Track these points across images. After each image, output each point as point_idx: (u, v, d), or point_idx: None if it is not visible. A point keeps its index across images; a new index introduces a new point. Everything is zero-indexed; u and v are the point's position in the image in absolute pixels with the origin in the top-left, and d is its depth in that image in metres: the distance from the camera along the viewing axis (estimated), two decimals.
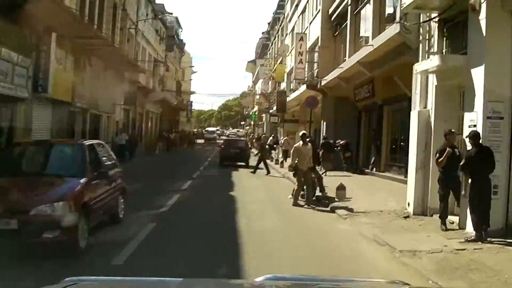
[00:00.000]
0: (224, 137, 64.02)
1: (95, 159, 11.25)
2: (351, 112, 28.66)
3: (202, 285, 2.93)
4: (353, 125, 28.62)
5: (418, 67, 14.31)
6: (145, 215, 13.34)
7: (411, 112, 15.06)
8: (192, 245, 10.26)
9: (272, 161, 38.33)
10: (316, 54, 32.92)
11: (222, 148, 35.67)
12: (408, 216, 13.90)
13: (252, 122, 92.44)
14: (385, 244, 10.70)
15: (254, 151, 56.64)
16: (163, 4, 58.79)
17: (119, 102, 35.94)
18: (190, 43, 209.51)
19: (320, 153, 29.54)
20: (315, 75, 31.01)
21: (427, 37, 14.63)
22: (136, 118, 43.22)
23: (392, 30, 16.65)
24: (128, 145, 33.16)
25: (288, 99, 40.89)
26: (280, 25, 58.21)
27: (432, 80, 14.16)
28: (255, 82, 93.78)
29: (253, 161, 33.41)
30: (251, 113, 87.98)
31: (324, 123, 29.83)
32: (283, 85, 51.54)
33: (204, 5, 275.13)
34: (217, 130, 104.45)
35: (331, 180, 19.76)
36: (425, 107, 14.45)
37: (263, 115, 72.31)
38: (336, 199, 16.74)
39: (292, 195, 17.50)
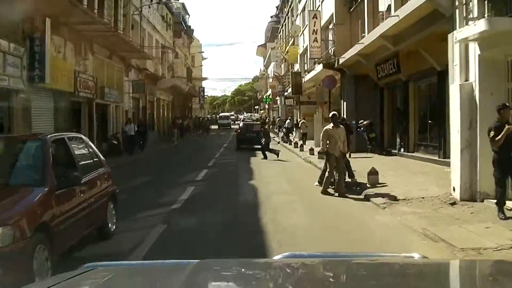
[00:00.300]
0: (238, 122, 62.36)
1: (65, 159, 8.37)
2: (373, 90, 26.76)
3: (220, 265, 2.92)
4: (376, 104, 26.72)
5: (458, 34, 12.34)
6: (153, 216, 11.48)
7: (451, 86, 13.08)
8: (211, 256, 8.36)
9: (290, 144, 36.71)
10: (331, 32, 30.84)
11: (239, 132, 36.39)
12: (454, 203, 12.03)
13: (266, 106, 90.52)
14: (439, 240, 8.88)
15: (271, 134, 55.61)
16: None
17: (127, 91, 34.26)
18: (198, 31, 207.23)
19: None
20: (331, 53, 28.97)
21: (464, 2, 12.66)
22: (146, 107, 41.55)
23: None
24: (137, 135, 31.24)
25: (303, 80, 38.92)
26: (290, 7, 56.02)
27: (474, 49, 12.19)
28: (266, 66, 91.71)
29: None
30: (264, 96, 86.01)
31: (344, 103, 27.89)
32: (296, 67, 49.55)
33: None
34: (231, 115, 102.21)
35: (357, 163, 17.98)
36: (466, 80, 12.51)
37: (277, 98, 70.40)
38: (368, 185, 14.93)
39: (319, 182, 15.76)
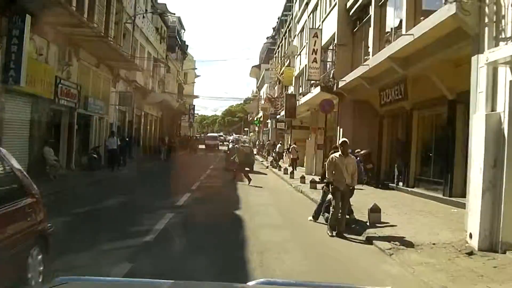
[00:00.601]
0: (227, 144, 62.80)
1: None
2: (371, 118, 25.19)
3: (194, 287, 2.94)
4: (374, 132, 25.13)
5: (488, 56, 10.69)
6: (118, 250, 9.49)
7: (474, 116, 11.38)
8: None
9: (280, 170, 35.06)
10: (331, 54, 29.21)
11: (228, 154, 35.75)
12: (472, 253, 10.30)
13: (256, 128, 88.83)
14: None
15: (259, 158, 53.84)
16: (165, 4, 55.52)
17: (113, 102, 32.47)
18: (193, 48, 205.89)
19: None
20: (330, 76, 27.35)
21: (494, 19, 11.03)
22: (133, 121, 39.72)
23: (444, 12, 12.92)
24: (120, 150, 29.32)
25: (297, 103, 37.29)
26: (288, 27, 54.73)
27: (505, 74, 10.54)
28: (259, 88, 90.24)
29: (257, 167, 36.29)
30: (255, 119, 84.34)
31: (341, 130, 26.24)
32: (290, 89, 48.04)
33: (207, 10, 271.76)
34: (220, 135, 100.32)
35: (353, 197, 16.23)
36: (493, 110, 10.84)
37: (268, 121, 68.77)
38: (368, 224, 13.20)
39: (313, 217, 14.04)
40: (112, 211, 13.97)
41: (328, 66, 29.13)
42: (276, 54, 66.19)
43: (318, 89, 27.57)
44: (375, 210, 13.41)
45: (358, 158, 23.72)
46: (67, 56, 23.43)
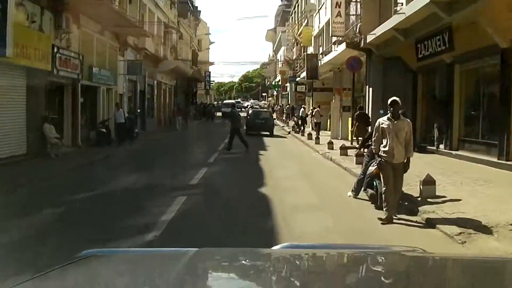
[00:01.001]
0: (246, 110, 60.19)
1: None
2: (403, 75, 22.66)
3: (219, 254, 2.89)
4: (407, 91, 22.60)
5: None
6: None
7: None
8: None
9: (303, 135, 32.78)
10: (355, 7, 26.35)
11: (249, 118, 37.19)
12: None
13: (275, 93, 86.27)
14: None
15: (279, 123, 51.51)
16: None
17: (122, 72, 30.19)
18: (206, 15, 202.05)
19: (354, 127, 23.92)
20: (356, 31, 24.66)
21: None
22: (145, 91, 37.44)
23: None
24: (129, 122, 27.10)
25: (319, 63, 34.62)
26: None
27: None
28: (276, 51, 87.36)
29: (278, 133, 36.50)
30: (273, 83, 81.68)
31: (370, 89, 23.72)
32: (309, 50, 45.33)
33: None
34: (237, 102, 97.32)
35: None
36: None
37: (287, 84, 66.19)
38: (419, 199, 10.87)
39: (353, 192, 11.67)
40: (110, 197, 11.64)
41: (352, 20, 26.31)
42: (292, 15, 63.15)
43: (343, 46, 24.92)
44: (429, 182, 11.02)
45: None
46: (64, 23, 21.02)
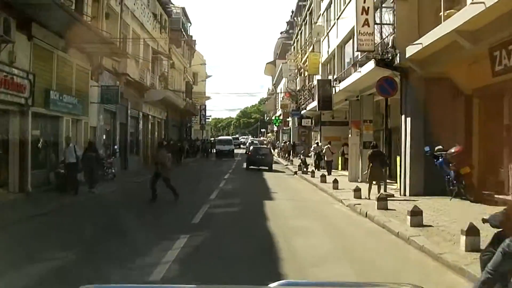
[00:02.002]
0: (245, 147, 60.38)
1: None
2: (451, 101, 17.16)
3: None
4: (457, 120, 17.07)
5: None
6: None
7: None
8: None
9: (313, 176, 27.31)
10: (385, 14, 20.59)
11: (249, 154, 38.77)
12: None
13: (275, 128, 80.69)
14: None
15: (282, 161, 45.88)
16: None
17: (95, 100, 24.61)
18: (202, 49, 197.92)
19: (368, 169, 18.46)
20: (387, 45, 18.97)
21: None
22: (127, 124, 31.77)
23: None
24: (86, 163, 19.66)
25: (333, 91, 28.91)
26: (308, 10, 46.42)
27: None
28: (276, 85, 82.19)
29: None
30: (274, 118, 76.11)
31: (407, 120, 18.02)
32: (316, 80, 39.90)
33: (215, 15, 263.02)
34: (235, 138, 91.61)
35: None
36: None
37: (289, 119, 60.65)
38: None
39: None
40: None
41: (381, 32, 20.45)
42: (295, 45, 57.96)
43: (369, 66, 19.18)
44: None
45: (441, 158, 15.96)
46: (2, 28, 15.42)
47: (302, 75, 48.88)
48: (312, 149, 34.89)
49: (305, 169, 32.20)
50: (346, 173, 30.76)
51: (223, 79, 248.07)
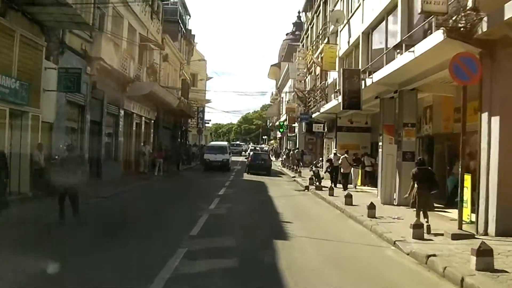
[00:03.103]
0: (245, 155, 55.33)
1: None
2: None
3: None
4: None
5: None
6: None
7: None
8: None
9: (331, 194, 21.30)
10: None
11: (250, 159, 40.44)
12: None
13: (278, 135, 74.32)
14: None
15: (288, 172, 39.81)
16: None
17: (52, 87, 18.44)
18: (206, 55, 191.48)
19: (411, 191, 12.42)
20: (464, 11, 12.63)
21: None
22: (103, 122, 25.54)
23: None
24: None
25: (362, 85, 22.37)
26: None
27: None
28: (280, 89, 75.95)
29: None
30: (278, 123, 69.61)
31: (493, 120, 11.74)
32: (331, 77, 33.70)
33: (218, 19, 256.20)
34: (234, 144, 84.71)
35: None
36: None
37: (295, 124, 54.37)
38: None
39: None
40: None
41: None
42: (304, 41, 51.70)
43: (436, 37, 12.81)
44: None
45: None
46: None
47: (313, 73, 42.57)
48: (327, 159, 28.67)
49: (317, 183, 26.09)
50: (366, 189, 24.79)
51: (224, 84, 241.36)
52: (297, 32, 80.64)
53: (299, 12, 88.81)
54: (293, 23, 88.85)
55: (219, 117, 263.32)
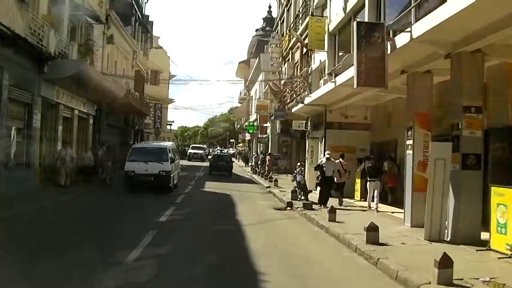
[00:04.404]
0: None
1: None
2: None
3: None
4: None
5: None
6: None
7: None
8: None
9: (333, 219, 13.51)
10: None
11: (212, 160, 40.38)
12: None
13: (247, 137, 66.41)
14: None
15: (261, 181, 32.12)
16: None
17: None
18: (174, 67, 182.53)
19: None
20: None
21: None
22: (5, 115, 17.49)
23: None
24: None
25: (387, 51, 14.35)
26: None
27: None
28: (249, 87, 68.28)
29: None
30: (248, 123, 61.70)
31: None
32: (317, 61, 26.23)
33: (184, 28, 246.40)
34: (200, 147, 74.50)
35: None
36: None
37: (267, 124, 46.66)
38: None
39: None
40: None
41: None
42: (278, 28, 44.06)
43: None
44: None
45: None
46: None
47: (291, 60, 35.04)
48: (316, 166, 21.10)
49: (303, 198, 18.76)
50: (384, 208, 17.52)
51: (191, 91, 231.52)
52: (267, 28, 73.59)
53: (269, 7, 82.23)
54: (263, 18, 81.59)
55: (185, 120, 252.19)
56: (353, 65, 13.47)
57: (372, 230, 10.69)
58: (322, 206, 17.25)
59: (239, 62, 75.54)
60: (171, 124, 75.70)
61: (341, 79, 16.79)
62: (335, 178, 18.34)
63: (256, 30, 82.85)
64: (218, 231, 12.96)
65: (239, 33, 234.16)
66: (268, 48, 45.61)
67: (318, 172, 18.65)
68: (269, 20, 75.07)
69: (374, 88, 13.74)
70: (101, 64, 29.26)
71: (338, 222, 13.72)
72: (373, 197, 16.86)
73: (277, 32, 43.28)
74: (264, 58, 45.02)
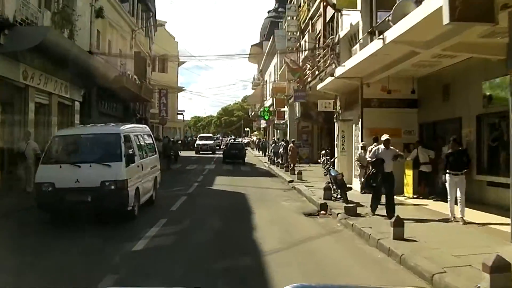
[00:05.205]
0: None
1: None
2: None
3: None
4: None
5: None
6: None
7: None
8: None
9: (400, 237, 8.20)
10: None
11: (225, 149, 40.62)
12: None
13: (262, 124, 61.53)
14: None
15: (284, 176, 26.84)
16: None
17: None
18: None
19: None
20: None
21: None
22: None
23: None
24: None
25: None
26: None
27: None
28: (263, 71, 63.35)
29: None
30: (261, 109, 56.69)
31: None
32: (346, 25, 21.23)
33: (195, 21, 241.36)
34: (213, 137, 68.00)
35: None
36: None
37: (284, 108, 41.81)
38: None
39: None
40: None
41: None
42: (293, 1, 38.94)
43: None
44: None
45: None
46: None
47: (311, 31, 29.98)
48: (358, 157, 16.12)
49: (342, 199, 14.02)
50: (426, 202, 12.65)
51: (203, 80, 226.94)
52: (280, 9, 68.72)
53: None
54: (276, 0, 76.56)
55: (199, 110, 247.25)
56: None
57: (500, 271, 5.83)
58: (372, 213, 12.31)
59: (252, 45, 70.37)
60: (182, 114, 71.05)
61: (394, 32, 11.77)
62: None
63: (268, 11, 77.97)
64: (225, 271, 7.95)
65: (251, 20, 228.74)
66: (283, 23, 40.52)
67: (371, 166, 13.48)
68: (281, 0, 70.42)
69: (475, 25, 8.54)
70: (89, 41, 24.49)
71: (409, 240, 8.88)
72: (455, 200, 11.50)
73: (293, 2, 37.97)
74: (279, 33, 39.88)
